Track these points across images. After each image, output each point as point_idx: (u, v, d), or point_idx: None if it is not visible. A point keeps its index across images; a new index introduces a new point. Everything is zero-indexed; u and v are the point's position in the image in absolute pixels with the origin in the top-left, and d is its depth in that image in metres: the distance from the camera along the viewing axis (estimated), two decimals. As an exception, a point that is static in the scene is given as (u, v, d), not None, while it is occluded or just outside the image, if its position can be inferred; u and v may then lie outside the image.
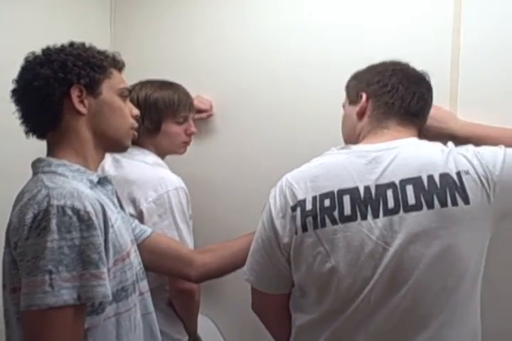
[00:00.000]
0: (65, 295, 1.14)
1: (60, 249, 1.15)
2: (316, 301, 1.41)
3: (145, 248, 1.52)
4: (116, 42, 2.46)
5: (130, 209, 1.78)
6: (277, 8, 2.05)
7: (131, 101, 1.84)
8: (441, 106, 1.72)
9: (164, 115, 1.91)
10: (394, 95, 1.47)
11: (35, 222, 1.17)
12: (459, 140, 1.61)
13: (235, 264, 1.66)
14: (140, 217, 1.77)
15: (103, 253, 1.20)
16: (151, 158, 1.92)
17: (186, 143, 2.00)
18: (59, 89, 1.29)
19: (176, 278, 1.78)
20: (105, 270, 1.20)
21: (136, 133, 1.45)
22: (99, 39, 2.21)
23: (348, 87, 1.58)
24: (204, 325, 2.13)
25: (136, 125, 1.43)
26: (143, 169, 1.87)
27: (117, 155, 1.90)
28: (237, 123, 2.18)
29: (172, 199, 1.81)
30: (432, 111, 1.71)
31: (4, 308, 1.28)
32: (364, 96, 1.49)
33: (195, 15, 2.26)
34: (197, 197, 2.01)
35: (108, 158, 1.90)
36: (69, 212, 1.17)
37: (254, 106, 2.12)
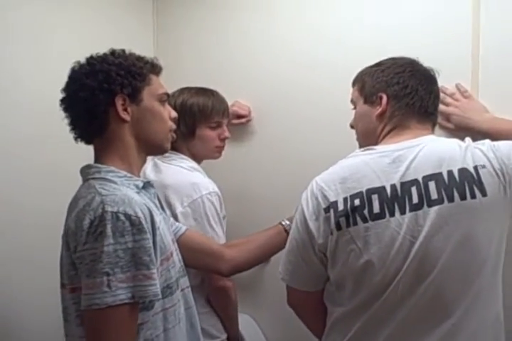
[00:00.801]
0: (121, 295, 1.23)
1: (116, 252, 1.23)
2: (351, 294, 1.48)
3: (180, 244, 1.59)
4: (158, 50, 2.55)
5: (167, 211, 1.86)
6: (312, 16, 2.12)
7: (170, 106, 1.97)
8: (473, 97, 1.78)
9: (198, 120, 1.99)
10: (414, 96, 1.53)
11: (91, 227, 1.25)
12: (483, 133, 1.68)
13: (261, 257, 1.77)
14: (175, 220, 1.85)
15: (153, 255, 1.28)
16: (187, 162, 2.00)
17: (220, 148, 2.07)
18: (104, 99, 1.37)
19: (212, 275, 1.87)
20: (155, 270, 1.28)
21: (174, 136, 1.52)
22: (141, 46, 2.35)
23: (361, 85, 1.61)
24: (244, 322, 2.20)
25: (174, 127, 1.51)
26: (178, 174, 1.95)
27: (157, 160, 2.00)
28: (275, 127, 2.25)
29: (206, 204, 1.89)
30: (462, 102, 1.80)
31: (63, 306, 1.38)
32: (385, 98, 1.53)
33: (232, 23, 2.33)
34: (233, 201, 2.10)
35: (149, 162, 2.00)
36: (122, 217, 1.25)
37: (291, 110, 2.19)
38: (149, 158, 1.97)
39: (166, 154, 1.96)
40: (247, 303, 2.23)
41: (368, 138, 1.59)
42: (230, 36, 2.35)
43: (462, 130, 1.76)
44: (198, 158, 2.06)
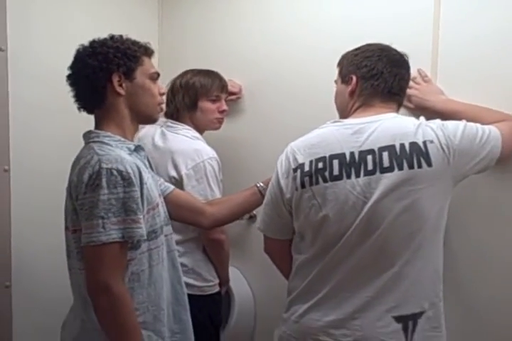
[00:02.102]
0: (113, 235, 1.48)
1: (109, 200, 1.48)
2: (311, 244, 1.70)
3: (168, 201, 1.82)
4: (162, 36, 2.79)
5: (173, 173, 2.14)
6: (300, 7, 2.34)
7: (176, 85, 2.22)
8: (432, 81, 1.97)
9: (200, 94, 2.25)
10: (379, 78, 1.72)
11: (90, 180, 1.49)
12: (437, 113, 1.87)
13: (238, 213, 2.01)
14: (181, 180, 2.13)
15: (140, 204, 1.53)
16: (191, 132, 2.25)
17: (219, 119, 2.32)
18: (103, 76, 1.60)
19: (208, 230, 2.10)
20: (141, 216, 1.53)
21: (163, 108, 1.75)
22: (147, 32, 2.63)
23: (341, 68, 1.80)
24: (232, 274, 2.44)
25: (163, 101, 1.74)
26: (183, 141, 2.22)
27: (164, 130, 2.26)
28: (263, 104, 2.47)
29: (207, 167, 2.15)
30: (422, 85, 1.98)
31: (66, 245, 1.64)
32: (354, 78, 1.73)
33: (229, 12, 2.56)
34: (228, 165, 2.33)
35: (157, 131, 2.27)
36: (115, 173, 1.49)
37: (277, 89, 2.41)
38: (157, 128, 2.27)
39: (173, 125, 2.27)
40: (236, 257, 2.47)
41: (342, 113, 1.81)
42: (226, 24, 2.58)
43: (421, 110, 1.95)
44: (200, 129, 2.30)
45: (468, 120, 1.70)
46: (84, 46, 1.65)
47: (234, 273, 2.50)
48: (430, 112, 1.90)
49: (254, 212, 2.27)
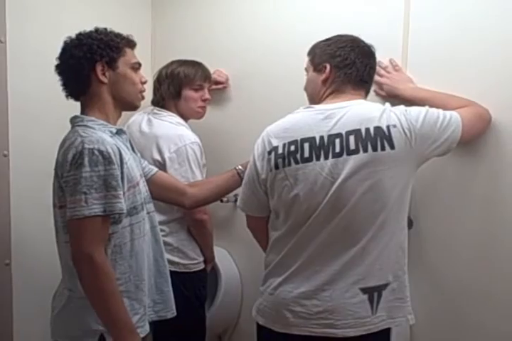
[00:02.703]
0: (95, 209, 1.60)
1: (91, 177, 1.60)
2: (284, 221, 1.82)
3: (151, 182, 1.94)
4: (155, 29, 2.91)
5: (157, 156, 2.26)
6: (280, 3, 2.46)
7: (161, 75, 2.35)
8: (402, 70, 2.09)
9: (183, 83, 2.37)
10: (352, 67, 1.83)
11: (74, 159, 1.61)
12: (406, 100, 1.98)
13: (217, 194, 2.13)
14: (164, 163, 2.24)
15: (119, 181, 1.65)
16: (175, 119, 2.37)
17: (202, 108, 2.43)
18: (87, 65, 1.72)
19: (192, 210, 2.22)
20: (121, 192, 1.65)
21: (144, 96, 1.86)
22: (140, 27, 2.74)
23: (312, 56, 1.89)
24: (220, 255, 2.59)
25: (144, 89, 1.85)
26: (168, 127, 2.34)
27: (150, 116, 2.39)
28: (248, 93, 2.59)
29: (189, 151, 2.27)
30: (393, 74, 2.10)
31: (54, 220, 1.76)
32: (328, 67, 1.83)
33: (216, 6, 2.68)
34: (213, 151, 2.46)
35: (144, 118, 2.40)
36: (96, 152, 1.61)
37: (262, 79, 2.52)
38: (144, 115, 2.40)
39: (158, 112, 2.40)
40: (222, 238, 2.61)
41: (313, 99, 1.91)
42: (215, 18, 2.69)
43: (392, 97, 2.06)
44: (184, 117, 2.42)
45: (435, 106, 1.81)
46: (71, 38, 1.77)
47: (221, 253, 2.63)
48: (400, 99, 2.01)
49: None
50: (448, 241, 2.06)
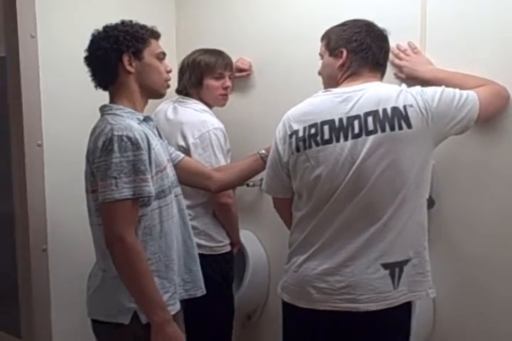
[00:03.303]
0: (125, 192, 1.67)
1: (121, 163, 1.67)
2: (306, 201, 1.87)
3: (179, 167, 2.02)
4: (179, 18, 2.97)
5: (182, 142, 2.33)
6: None
7: (184, 64, 2.42)
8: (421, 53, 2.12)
9: (204, 72, 2.43)
10: (368, 51, 1.87)
11: (104, 146, 1.69)
12: (425, 81, 2.01)
13: (242, 178, 2.20)
14: (188, 148, 2.31)
15: (148, 166, 1.72)
16: (200, 106, 2.44)
17: (223, 96, 2.48)
18: (114, 56, 1.80)
19: (216, 194, 2.28)
20: (149, 176, 1.72)
21: (169, 84, 1.93)
22: (167, 17, 2.83)
23: (327, 41, 1.93)
24: (246, 237, 2.66)
25: (169, 78, 1.92)
26: (192, 114, 2.40)
27: (176, 104, 2.45)
28: (271, 80, 2.63)
29: (212, 136, 2.33)
30: (412, 56, 2.13)
31: (87, 205, 1.84)
32: (345, 52, 1.87)
33: None
34: (238, 136, 2.51)
35: (170, 106, 2.47)
36: (125, 139, 1.68)
37: (285, 66, 2.56)
38: (170, 103, 2.47)
39: (183, 100, 2.46)
40: (249, 221, 2.68)
41: (330, 83, 1.95)
42: (236, 5, 2.75)
43: (412, 79, 2.09)
44: (208, 104, 2.47)
45: (453, 86, 1.84)
46: (98, 31, 1.85)
47: (248, 236, 2.70)
48: (420, 81, 2.04)
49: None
50: (468, 219, 2.09)
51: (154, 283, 1.75)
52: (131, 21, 1.87)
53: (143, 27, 1.87)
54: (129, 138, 1.70)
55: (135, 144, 1.70)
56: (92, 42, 1.85)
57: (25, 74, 2.41)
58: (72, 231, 2.53)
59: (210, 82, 2.46)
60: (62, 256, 2.54)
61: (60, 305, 2.55)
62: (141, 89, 1.87)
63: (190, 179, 2.10)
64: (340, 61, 1.90)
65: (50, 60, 2.47)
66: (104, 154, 1.69)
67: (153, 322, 1.73)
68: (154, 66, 1.87)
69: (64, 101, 2.52)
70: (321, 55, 1.99)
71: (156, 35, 1.91)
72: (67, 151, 2.51)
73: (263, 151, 2.16)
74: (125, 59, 1.82)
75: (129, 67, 1.83)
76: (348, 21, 1.94)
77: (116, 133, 1.69)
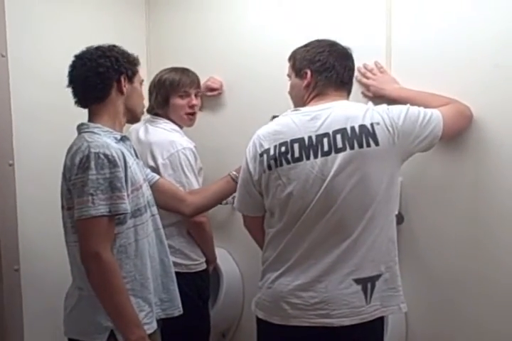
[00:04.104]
0: (101, 209, 1.69)
1: (98, 180, 1.70)
2: (278, 219, 1.89)
3: (154, 189, 2.03)
4: (150, 38, 3.01)
5: (152, 163, 2.33)
6: (270, 9, 2.56)
7: (151, 84, 2.46)
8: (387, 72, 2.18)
9: (170, 90, 2.42)
10: (332, 70, 1.91)
11: (81, 163, 1.71)
12: (392, 100, 2.07)
13: (216, 200, 2.23)
14: (158, 168, 2.31)
15: (124, 183, 1.74)
16: (169, 125, 2.44)
17: (189, 115, 2.47)
18: (114, 76, 1.84)
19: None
20: (125, 194, 1.74)
21: (145, 110, 1.99)
22: (137, 35, 2.84)
23: (293, 62, 1.97)
24: (221, 255, 2.66)
25: (145, 104, 1.99)
26: (161, 134, 2.40)
27: (148, 124, 2.45)
28: (242, 99, 2.67)
29: (181, 156, 2.33)
30: (378, 76, 2.19)
31: (63, 221, 1.84)
32: (309, 73, 1.91)
33: (211, 15, 2.76)
34: (210, 154, 2.53)
35: (142, 127, 2.46)
36: (102, 156, 1.71)
37: (255, 85, 2.60)
38: (142, 123, 2.46)
39: (154, 119, 2.47)
40: (223, 239, 2.69)
41: (298, 103, 1.99)
42: (207, 24, 2.79)
43: (378, 97, 2.16)
44: (177, 124, 2.48)
45: (418, 105, 1.90)
46: (91, 49, 1.87)
47: (221, 253, 2.71)
48: (386, 99, 2.10)
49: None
50: (437, 234, 2.15)
51: (130, 300, 1.75)
52: (120, 47, 1.92)
53: (131, 54, 1.93)
54: (106, 156, 1.72)
55: (112, 162, 1.72)
56: (89, 59, 1.84)
57: (-4, 94, 2.41)
58: (45, 250, 2.53)
59: (176, 101, 2.45)
60: (35, 276, 2.52)
61: (33, 324, 2.52)
62: (126, 110, 1.92)
63: (164, 200, 2.12)
64: (305, 81, 1.94)
65: (20, 79, 2.48)
66: (81, 171, 1.71)
67: (129, 340, 1.73)
68: (139, 91, 1.96)
69: (36, 120, 2.53)
70: (289, 76, 2.03)
71: (139, 62, 1.96)
72: (39, 170, 2.52)
73: (234, 172, 2.20)
74: (123, 80, 1.87)
75: (124, 89, 1.87)
76: (311, 42, 1.98)
77: (93, 150, 1.72)
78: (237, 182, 2.08)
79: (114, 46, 1.91)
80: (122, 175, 1.75)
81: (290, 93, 2.04)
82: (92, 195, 1.69)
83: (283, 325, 1.88)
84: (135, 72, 1.91)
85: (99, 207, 1.69)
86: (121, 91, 1.87)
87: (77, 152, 1.74)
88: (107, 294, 1.72)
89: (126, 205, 1.75)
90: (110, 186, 1.72)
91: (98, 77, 1.84)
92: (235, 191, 2.11)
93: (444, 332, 2.15)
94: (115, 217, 1.75)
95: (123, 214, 1.75)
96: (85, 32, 2.65)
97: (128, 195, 1.77)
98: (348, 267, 1.81)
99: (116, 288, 1.72)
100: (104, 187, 1.71)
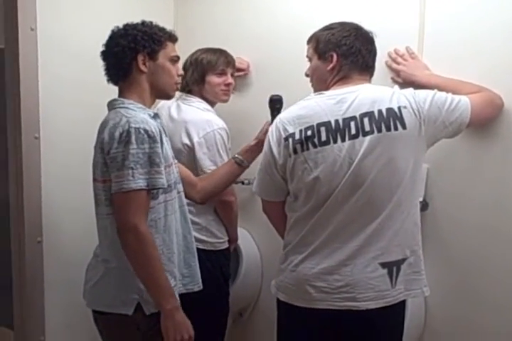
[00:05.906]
0: (141, 183, 1.73)
1: (137, 154, 1.72)
2: (303, 202, 1.89)
3: None
4: (178, 20, 3.01)
5: (186, 141, 2.36)
6: None
7: (187, 62, 2.44)
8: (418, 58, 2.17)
9: (206, 69, 2.45)
10: (358, 55, 1.90)
11: (121, 137, 1.73)
12: (421, 86, 2.05)
13: (223, 184, 2.24)
14: (193, 147, 2.34)
15: (162, 159, 1.77)
16: (203, 105, 2.46)
17: (225, 92, 2.50)
18: (130, 54, 1.84)
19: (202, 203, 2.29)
20: (163, 169, 1.77)
21: (179, 87, 1.97)
22: (165, 16, 2.84)
23: (316, 45, 1.95)
24: (241, 234, 2.67)
25: (179, 81, 1.96)
26: (196, 113, 2.43)
27: (179, 102, 2.48)
28: (268, 80, 2.67)
29: (216, 136, 2.36)
30: (409, 61, 2.17)
31: (95, 193, 1.87)
32: (335, 56, 1.90)
33: None
34: (236, 135, 2.52)
35: (173, 104, 2.49)
36: (142, 131, 1.74)
37: (281, 66, 2.60)
38: (173, 100, 2.47)
39: (187, 98, 2.49)
40: (244, 219, 2.69)
41: (319, 86, 1.97)
42: (234, 5, 2.80)
43: (408, 83, 2.13)
44: (209, 101, 2.50)
45: (448, 92, 1.88)
46: (118, 28, 1.89)
47: (242, 233, 2.72)
48: (416, 85, 2.06)
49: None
50: (461, 221, 2.15)
51: (164, 272, 1.79)
52: (151, 22, 1.92)
53: (161, 29, 1.92)
54: (146, 131, 1.74)
55: (151, 137, 1.75)
56: (110, 38, 1.89)
57: (23, 67, 2.41)
58: (67, 222, 2.56)
59: (212, 79, 2.48)
60: (57, 248, 2.55)
61: (53, 297, 2.56)
62: (152, 88, 1.91)
63: None
64: (331, 65, 1.93)
65: (48, 54, 2.48)
66: (122, 145, 1.73)
67: (164, 309, 1.77)
68: (167, 68, 1.91)
69: (62, 94, 2.53)
70: (309, 58, 2.01)
71: (173, 38, 1.95)
72: (65, 144, 2.54)
73: (237, 155, 2.24)
74: (139, 58, 1.86)
75: (142, 67, 1.87)
76: (335, 24, 1.96)
77: (133, 125, 1.73)
78: (240, 165, 2.12)
79: (143, 23, 1.90)
80: (160, 150, 1.77)
81: (311, 75, 2.02)
82: (132, 168, 1.71)
83: (307, 307, 1.89)
84: (157, 50, 1.87)
85: (139, 181, 1.72)
86: (140, 70, 1.87)
87: (115, 126, 1.76)
88: (144, 265, 1.75)
89: (164, 180, 1.78)
90: (149, 161, 1.74)
91: (114, 56, 1.86)
92: (241, 173, 2.17)
93: (463, 317, 2.16)
94: (151, 192, 1.77)
95: (160, 188, 1.78)
96: (113, 11, 2.67)
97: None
98: (375, 251, 1.82)
99: (153, 259, 1.75)
100: (144, 162, 1.73)
